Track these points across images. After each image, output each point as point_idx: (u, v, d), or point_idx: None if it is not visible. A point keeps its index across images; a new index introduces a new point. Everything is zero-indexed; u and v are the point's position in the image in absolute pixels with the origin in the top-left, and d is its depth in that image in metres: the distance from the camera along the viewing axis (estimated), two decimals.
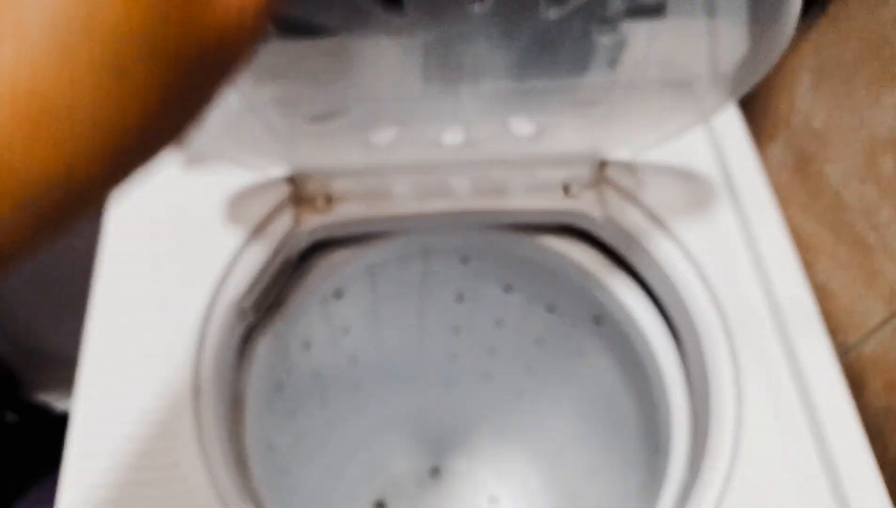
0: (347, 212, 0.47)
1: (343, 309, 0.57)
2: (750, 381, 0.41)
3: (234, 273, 0.43)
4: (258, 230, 0.44)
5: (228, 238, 0.44)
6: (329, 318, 0.56)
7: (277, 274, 0.45)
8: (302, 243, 0.47)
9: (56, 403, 0.88)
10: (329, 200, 0.47)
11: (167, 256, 0.43)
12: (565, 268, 0.52)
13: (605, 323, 0.55)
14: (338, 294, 0.55)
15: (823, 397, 0.40)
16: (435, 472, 0.74)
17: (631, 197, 0.48)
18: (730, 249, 0.46)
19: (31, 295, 0.79)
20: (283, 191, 0.45)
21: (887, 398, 0.42)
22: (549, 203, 0.49)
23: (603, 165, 0.49)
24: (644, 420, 0.53)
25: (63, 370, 0.40)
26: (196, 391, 0.40)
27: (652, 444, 0.49)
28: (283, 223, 0.45)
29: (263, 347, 0.47)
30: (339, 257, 0.51)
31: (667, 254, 0.46)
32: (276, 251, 0.44)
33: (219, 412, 0.41)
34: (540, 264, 0.54)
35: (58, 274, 0.74)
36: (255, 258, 0.44)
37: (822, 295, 0.45)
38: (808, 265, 0.46)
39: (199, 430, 0.38)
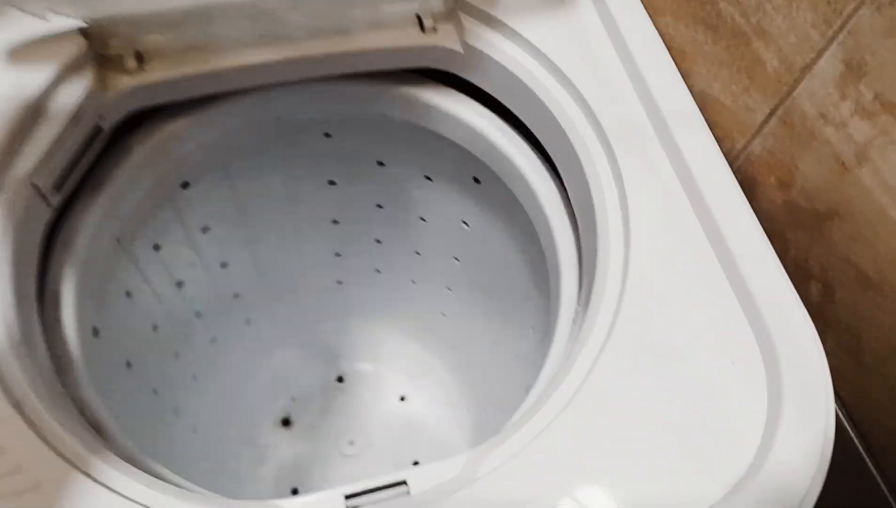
0: (166, 71, 0.40)
1: (196, 203, 0.50)
2: (636, 193, 0.37)
3: (23, 147, 0.35)
4: (47, 94, 0.36)
5: (7, 103, 0.35)
6: (179, 212, 0.49)
7: (83, 147, 0.38)
8: (113, 110, 0.39)
9: None
10: (141, 58, 0.39)
11: None
12: (436, 120, 0.47)
13: (484, 179, 0.50)
14: (185, 184, 0.48)
15: (717, 201, 0.37)
16: (340, 380, 0.69)
17: (490, 21, 0.43)
18: (603, 65, 0.42)
19: None
20: (78, 45, 0.37)
21: (782, 194, 0.39)
22: (404, 41, 0.43)
23: None
24: (534, 271, 0.49)
25: None
26: None
27: (545, 292, 0.45)
28: (80, 85, 0.37)
29: (82, 240, 0.39)
30: (172, 130, 0.44)
31: (539, 79, 0.42)
32: (75, 118, 0.36)
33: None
34: (410, 123, 0.48)
35: None
36: (46, 127, 0.36)
37: (706, 103, 0.42)
38: (687, 75, 0.43)
39: None
